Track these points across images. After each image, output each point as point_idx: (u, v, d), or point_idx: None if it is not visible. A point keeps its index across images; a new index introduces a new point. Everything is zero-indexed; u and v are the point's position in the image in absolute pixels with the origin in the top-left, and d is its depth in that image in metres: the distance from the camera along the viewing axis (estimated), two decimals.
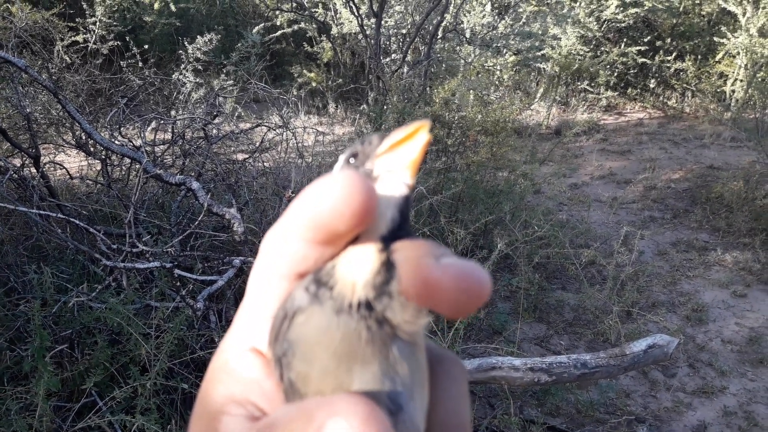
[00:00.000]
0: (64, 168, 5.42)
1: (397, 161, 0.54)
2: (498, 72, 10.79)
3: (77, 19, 6.01)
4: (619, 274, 5.70)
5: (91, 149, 5.22)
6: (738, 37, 11.38)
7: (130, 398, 3.69)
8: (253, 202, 4.98)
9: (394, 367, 0.51)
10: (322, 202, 0.47)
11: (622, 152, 10.10)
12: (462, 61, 9.00)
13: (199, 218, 3.97)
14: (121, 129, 5.24)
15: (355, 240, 0.52)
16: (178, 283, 3.95)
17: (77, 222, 3.92)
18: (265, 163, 5.73)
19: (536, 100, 11.86)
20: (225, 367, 0.55)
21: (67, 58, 5.68)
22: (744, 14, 11.39)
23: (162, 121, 5.17)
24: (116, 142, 5.27)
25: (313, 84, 10.27)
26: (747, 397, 4.69)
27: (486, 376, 4.10)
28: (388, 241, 0.52)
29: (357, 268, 0.51)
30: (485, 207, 6.12)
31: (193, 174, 5.11)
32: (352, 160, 0.57)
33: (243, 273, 4.23)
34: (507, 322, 5.18)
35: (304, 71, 10.09)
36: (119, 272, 4.00)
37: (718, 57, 12.08)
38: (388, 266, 0.51)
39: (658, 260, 6.69)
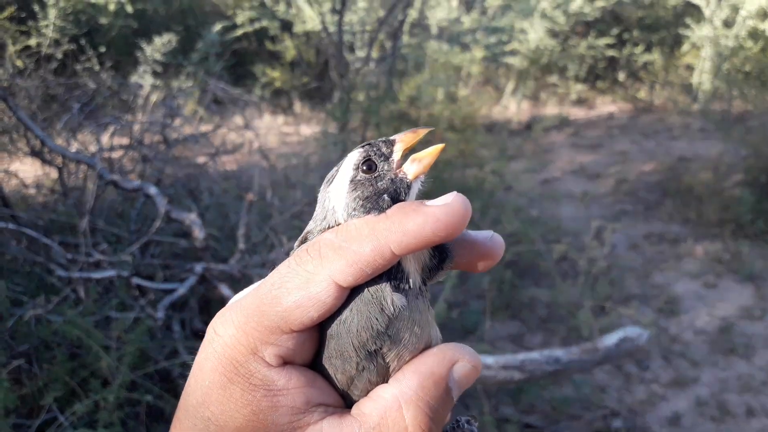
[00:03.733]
0: (18, 177, 5.23)
1: (420, 169, 0.73)
2: (466, 67, 10.74)
3: (29, 23, 5.82)
4: (591, 268, 5.67)
5: (47, 157, 5.05)
6: (702, 29, 11.48)
7: (92, 412, 3.56)
8: (215, 206, 4.85)
9: (433, 318, 0.74)
10: (453, 217, 0.65)
11: (593, 146, 10.12)
12: (428, 57, 8.94)
13: (156, 224, 3.84)
14: (77, 135, 5.07)
15: None
16: (137, 293, 3.81)
17: (30, 232, 3.77)
18: (227, 167, 5.59)
19: (506, 95, 11.84)
20: (270, 391, 0.65)
21: (20, 63, 5.49)
22: (707, 5, 11.49)
23: (119, 126, 5.01)
24: (72, 148, 5.10)
25: (277, 83, 10.12)
26: (719, 387, 4.68)
27: None
28: None
29: (417, 258, 0.71)
30: None
31: (152, 180, 4.96)
32: (365, 167, 0.72)
33: (205, 280, 4.10)
34: (479, 321, 5.11)
35: (268, 70, 9.93)
36: (77, 283, 3.85)
37: (684, 49, 12.18)
38: (438, 249, 0.72)
39: (630, 253, 6.68)
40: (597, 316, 5.23)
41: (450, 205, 0.65)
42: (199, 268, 3.96)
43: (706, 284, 6.07)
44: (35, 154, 4.98)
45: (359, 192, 0.71)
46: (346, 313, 0.68)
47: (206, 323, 4.61)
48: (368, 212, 0.70)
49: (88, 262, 3.75)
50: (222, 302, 4.07)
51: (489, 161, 6.91)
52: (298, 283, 0.65)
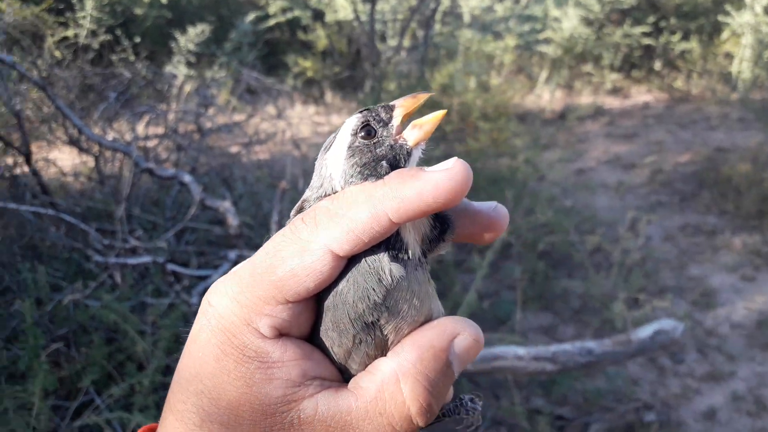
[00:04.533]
0: (57, 165, 5.35)
1: (421, 135, 0.70)
2: (498, 56, 10.63)
3: (67, 14, 5.92)
4: (625, 260, 5.59)
5: (84, 145, 5.14)
6: (743, 16, 11.17)
7: (128, 396, 3.64)
8: (249, 195, 4.89)
9: (434, 291, 0.72)
10: (451, 183, 0.62)
11: (628, 136, 9.94)
12: (461, 46, 8.86)
13: (191, 212, 3.89)
14: (113, 124, 5.16)
15: None
16: (173, 279, 3.87)
17: (69, 218, 3.85)
18: (260, 156, 5.63)
19: (539, 84, 11.70)
20: (264, 363, 0.63)
21: (58, 54, 5.59)
22: None
23: (154, 115, 5.08)
24: (108, 137, 5.19)
25: (309, 73, 10.14)
26: (756, 381, 4.58)
27: (489, 366, 4.01)
28: None
29: (417, 228, 0.69)
30: (487, 195, 6.01)
31: (186, 168, 5.02)
32: (363, 133, 0.70)
33: None
34: (512, 312, 5.08)
35: (300, 60, 9.95)
36: (113, 269, 3.93)
37: (723, 37, 11.87)
38: (437, 220, 0.71)
39: (665, 245, 6.56)
40: (631, 308, 5.16)
41: (450, 170, 0.63)
42: (232, 255, 4.00)
43: (743, 277, 5.94)
44: (73, 142, 5.08)
45: (357, 158, 0.69)
46: (342, 283, 0.66)
47: None
48: (366, 179, 0.68)
49: (124, 248, 3.82)
50: None
51: (522, 150, 6.84)
52: (293, 252, 0.64)
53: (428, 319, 0.70)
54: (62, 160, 5.87)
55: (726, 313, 5.41)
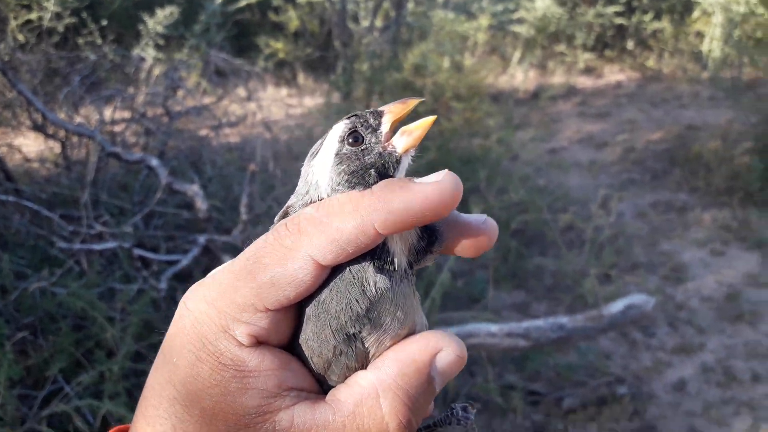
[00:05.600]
0: (22, 152, 5.24)
1: (410, 142, 0.68)
2: (472, 36, 10.59)
3: None
4: (597, 237, 5.63)
5: (50, 131, 5.04)
6: None
7: (97, 383, 3.59)
8: (218, 178, 4.84)
9: (419, 304, 0.70)
10: (440, 194, 0.62)
11: (600, 115, 10.01)
12: (434, 26, 8.81)
13: (157, 195, 3.83)
14: (79, 109, 5.05)
15: None
16: (140, 264, 3.82)
17: (31, 205, 3.77)
18: (230, 140, 5.57)
19: (513, 64, 11.70)
20: (240, 372, 0.61)
21: (21, 38, 5.45)
22: None
23: (121, 98, 4.99)
24: (75, 122, 5.09)
25: (281, 55, 10.01)
26: (725, 353, 4.67)
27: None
28: None
29: (404, 238, 0.67)
30: (460, 175, 5.99)
31: (155, 153, 4.95)
32: (350, 140, 0.68)
33: (209, 252, 4.11)
34: (485, 290, 5.10)
35: (271, 42, 9.81)
36: (79, 255, 3.87)
37: (694, 16, 11.95)
38: (427, 231, 0.69)
39: (637, 222, 6.63)
40: (602, 284, 5.22)
41: (440, 183, 0.62)
42: (202, 239, 3.96)
43: (713, 252, 6.03)
44: (38, 128, 4.98)
45: (344, 166, 0.67)
46: (325, 293, 0.64)
47: None
48: (353, 187, 0.66)
49: (89, 234, 3.76)
50: None
51: (495, 130, 6.85)
52: (275, 259, 0.61)
53: (412, 332, 0.68)
54: (28, 146, 5.75)
55: (696, 287, 5.49)
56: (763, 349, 4.71)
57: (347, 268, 0.64)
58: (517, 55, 11.82)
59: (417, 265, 0.70)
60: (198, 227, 4.31)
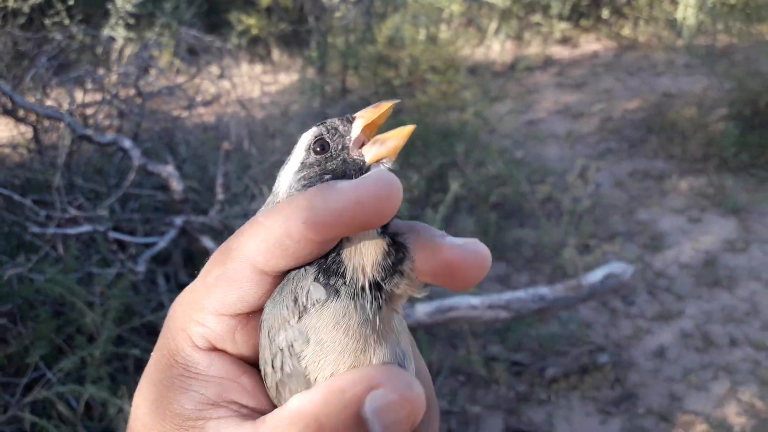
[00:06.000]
0: None
1: (382, 151, 0.62)
2: (447, 7, 10.49)
3: None
4: (575, 207, 5.67)
5: (20, 115, 4.92)
6: None
7: (79, 368, 3.57)
8: (193, 158, 4.77)
9: (398, 339, 0.61)
10: (367, 197, 0.54)
11: (577, 85, 10.01)
12: None
13: (130, 177, 3.77)
14: (49, 92, 4.94)
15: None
16: (116, 248, 3.77)
17: (2, 191, 3.70)
18: (205, 119, 5.49)
19: (489, 35, 11.64)
20: (186, 372, 0.59)
21: None
22: None
23: (92, 79, 4.88)
24: (45, 105, 4.97)
25: (254, 31, 9.83)
26: (703, 319, 4.75)
27: (445, 317, 4.06)
28: (384, 226, 0.58)
29: (366, 252, 0.59)
30: (438, 149, 6.00)
31: (129, 134, 4.86)
32: (317, 149, 0.64)
33: (187, 233, 4.07)
34: None
35: (243, 17, 9.62)
36: (55, 240, 3.81)
37: None
38: (396, 248, 0.59)
39: (615, 191, 6.69)
40: (582, 254, 5.26)
41: (367, 179, 0.55)
42: (178, 221, 3.91)
43: (690, 219, 6.10)
44: (7, 112, 4.86)
45: (305, 172, 0.64)
46: (269, 303, 0.60)
47: (191, 276, 4.61)
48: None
49: (64, 218, 3.70)
50: (206, 254, 4.05)
51: (472, 103, 6.82)
52: (218, 260, 0.59)
53: (367, 361, 0.59)
54: None
55: (674, 255, 5.56)
56: (739, 314, 4.80)
57: (291, 274, 0.59)
58: (493, 26, 11.75)
59: (396, 291, 0.60)
60: (174, 209, 4.26)
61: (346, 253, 0.59)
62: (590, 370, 4.20)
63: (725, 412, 3.88)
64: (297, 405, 0.57)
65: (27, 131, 5.25)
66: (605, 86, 9.78)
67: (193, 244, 4.16)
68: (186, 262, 4.44)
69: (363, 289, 0.58)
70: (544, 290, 4.26)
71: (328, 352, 0.58)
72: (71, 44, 5.46)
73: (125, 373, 3.72)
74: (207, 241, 3.90)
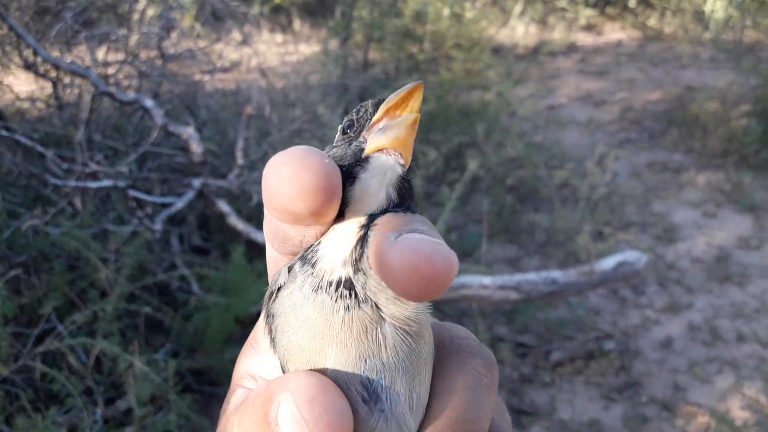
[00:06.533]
0: (13, 91, 5.13)
1: (382, 141, 0.55)
2: None
3: None
4: (592, 194, 5.63)
5: (41, 70, 4.93)
6: None
7: (90, 323, 3.61)
8: (213, 122, 4.77)
9: (376, 352, 0.50)
10: (271, 183, 0.46)
11: (600, 73, 9.90)
12: None
13: (153, 135, 3.78)
14: (71, 48, 4.94)
15: (341, 217, 0.51)
16: (135, 205, 3.80)
17: (25, 141, 3.72)
18: (225, 86, 5.48)
19: (513, 17, 11.51)
20: (252, 342, 0.58)
21: None
22: None
23: (115, 37, 4.88)
24: (68, 60, 4.98)
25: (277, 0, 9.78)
26: (712, 313, 4.73)
27: (455, 295, 4.07)
28: (377, 217, 0.52)
29: (337, 244, 0.52)
30: (458, 127, 5.97)
31: (149, 94, 4.86)
32: (346, 129, 0.60)
33: (204, 196, 4.08)
34: (478, 244, 5.12)
35: None
36: (73, 195, 3.83)
37: None
38: (365, 242, 0.51)
39: (632, 181, 6.64)
40: (595, 241, 5.24)
41: (281, 157, 0.47)
42: (197, 183, 3.93)
43: (705, 213, 6.05)
44: (29, 66, 4.87)
45: (331, 152, 0.60)
46: None
47: (204, 239, 4.63)
48: None
49: (84, 172, 3.72)
50: (221, 218, 4.07)
51: (495, 84, 6.77)
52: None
53: (321, 365, 0.50)
54: (18, 86, 5.63)
55: (687, 248, 5.53)
56: (748, 310, 4.78)
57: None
58: (518, 8, 11.62)
59: (373, 296, 0.51)
60: (193, 171, 4.28)
61: (324, 243, 0.53)
62: (596, 356, 4.21)
63: (728, 405, 3.88)
64: (253, 392, 0.54)
65: (46, 87, 5.25)
66: (628, 76, 9.67)
67: (209, 207, 4.18)
68: (200, 225, 4.47)
69: (329, 284, 0.51)
70: (556, 274, 4.26)
71: (291, 344, 0.52)
72: (95, 2, 5.45)
73: (135, 329, 3.76)
74: (223, 205, 3.91)
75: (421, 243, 0.45)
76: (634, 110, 8.35)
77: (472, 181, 5.66)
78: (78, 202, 3.81)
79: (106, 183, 3.61)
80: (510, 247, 5.40)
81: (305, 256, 0.53)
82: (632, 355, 4.30)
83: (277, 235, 0.53)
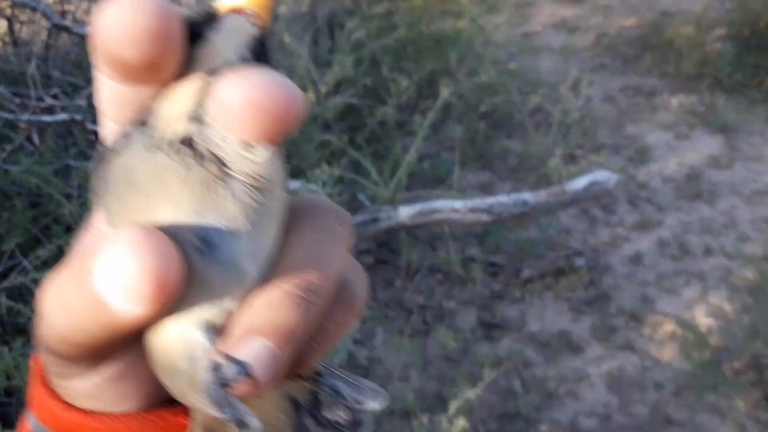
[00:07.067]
0: None
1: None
2: None
3: None
4: (565, 118, 5.61)
5: None
6: None
7: (56, 257, 3.58)
8: None
9: (215, 206, 0.44)
10: (99, 30, 0.38)
11: (575, 0, 9.74)
12: None
13: None
14: None
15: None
16: (95, 138, 3.72)
17: None
18: None
19: None
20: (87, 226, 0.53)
21: None
22: None
23: None
24: None
25: None
26: (681, 229, 4.79)
27: (427, 219, 4.08)
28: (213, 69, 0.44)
29: (176, 98, 0.44)
30: (431, 55, 5.87)
31: None
32: None
33: None
34: (451, 171, 5.10)
35: None
36: (31, 130, 3.75)
37: None
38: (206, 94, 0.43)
39: (605, 105, 6.61)
40: (567, 163, 5.24)
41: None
42: None
43: (678, 135, 6.06)
44: None
45: None
46: None
47: None
48: None
49: (39, 107, 3.62)
50: None
51: (468, 11, 6.64)
52: None
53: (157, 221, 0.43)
54: None
55: (658, 168, 5.56)
56: (717, 226, 4.84)
57: None
58: None
59: (218, 149, 0.44)
60: None
61: (161, 101, 0.46)
62: (566, 273, 4.26)
63: (694, 314, 3.97)
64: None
65: (1, 25, 5.09)
66: (603, 2, 9.51)
67: None
68: None
69: (168, 142, 0.44)
70: (526, 195, 4.27)
71: (116, 209, 0.45)
72: None
73: None
74: None
75: (262, 77, 0.40)
76: (609, 36, 8.26)
77: (445, 109, 5.60)
78: (36, 138, 3.73)
79: (62, 116, 3.53)
80: (483, 174, 5.40)
81: (141, 119, 0.46)
82: (602, 270, 4.37)
83: (112, 100, 0.45)
